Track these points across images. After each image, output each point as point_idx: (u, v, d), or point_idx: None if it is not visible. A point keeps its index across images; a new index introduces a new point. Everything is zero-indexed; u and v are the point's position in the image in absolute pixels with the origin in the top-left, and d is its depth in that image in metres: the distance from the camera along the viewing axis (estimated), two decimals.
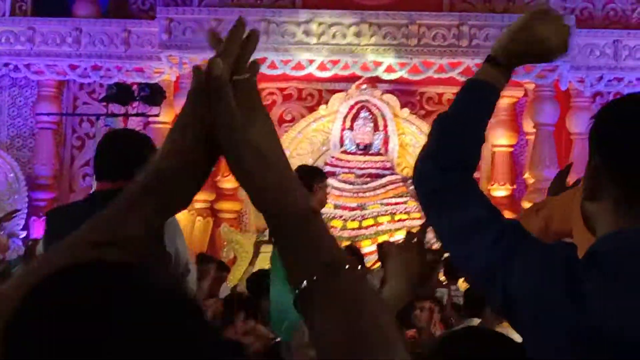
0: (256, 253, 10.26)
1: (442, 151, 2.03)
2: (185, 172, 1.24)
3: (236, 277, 11.02)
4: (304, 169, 7.28)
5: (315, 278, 1.18)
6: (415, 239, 2.38)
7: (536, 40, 2.08)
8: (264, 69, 12.65)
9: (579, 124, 12.69)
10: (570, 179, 4.44)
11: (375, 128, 13.37)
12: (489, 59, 2.11)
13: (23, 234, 13.16)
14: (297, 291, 1.19)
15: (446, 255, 2.17)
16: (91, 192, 4.62)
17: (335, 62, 12.69)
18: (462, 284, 9.76)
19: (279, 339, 5.31)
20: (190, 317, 1.01)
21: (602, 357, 1.61)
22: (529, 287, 1.72)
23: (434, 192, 2.00)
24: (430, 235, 2.25)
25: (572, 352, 1.64)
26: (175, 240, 4.44)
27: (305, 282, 1.19)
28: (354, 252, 8.94)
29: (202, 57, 12.45)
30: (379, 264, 12.00)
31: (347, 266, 1.20)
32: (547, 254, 1.76)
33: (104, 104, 11.86)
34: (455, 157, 2.02)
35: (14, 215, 11.77)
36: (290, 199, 1.23)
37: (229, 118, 1.23)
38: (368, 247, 12.46)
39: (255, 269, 9.02)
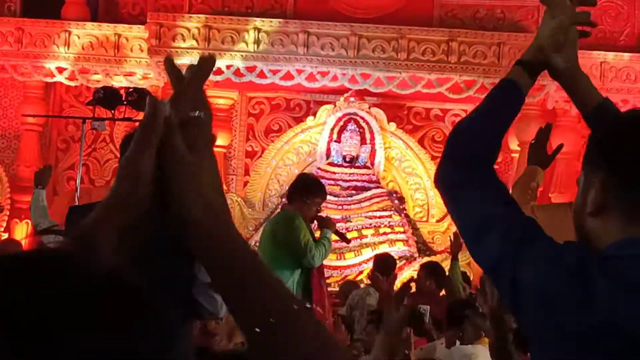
0: None
1: (456, 147, 2.08)
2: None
3: None
4: (306, 181, 7.32)
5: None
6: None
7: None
8: (252, 78, 12.65)
9: (564, 144, 12.71)
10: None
11: (362, 141, 13.37)
12: (522, 62, 2.19)
13: (4, 236, 13.09)
14: None
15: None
16: None
17: (324, 74, 12.69)
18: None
19: None
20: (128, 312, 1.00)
21: (609, 352, 1.65)
22: (539, 285, 1.75)
23: (449, 189, 2.04)
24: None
25: (580, 347, 1.69)
26: None
27: None
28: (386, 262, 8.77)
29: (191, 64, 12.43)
30: (362, 275, 12.03)
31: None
32: (559, 253, 1.78)
33: (91, 107, 11.82)
34: (467, 151, 2.05)
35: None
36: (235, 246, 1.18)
37: (178, 165, 1.16)
38: (351, 260, 12.47)
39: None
